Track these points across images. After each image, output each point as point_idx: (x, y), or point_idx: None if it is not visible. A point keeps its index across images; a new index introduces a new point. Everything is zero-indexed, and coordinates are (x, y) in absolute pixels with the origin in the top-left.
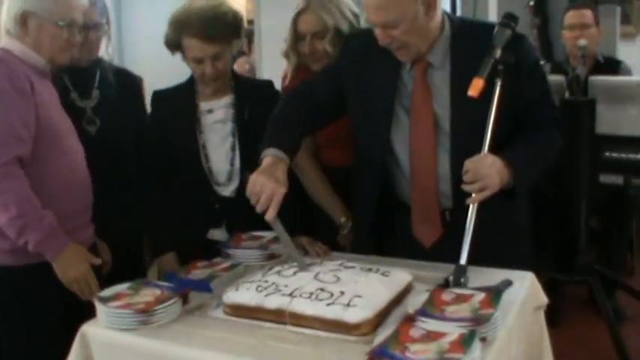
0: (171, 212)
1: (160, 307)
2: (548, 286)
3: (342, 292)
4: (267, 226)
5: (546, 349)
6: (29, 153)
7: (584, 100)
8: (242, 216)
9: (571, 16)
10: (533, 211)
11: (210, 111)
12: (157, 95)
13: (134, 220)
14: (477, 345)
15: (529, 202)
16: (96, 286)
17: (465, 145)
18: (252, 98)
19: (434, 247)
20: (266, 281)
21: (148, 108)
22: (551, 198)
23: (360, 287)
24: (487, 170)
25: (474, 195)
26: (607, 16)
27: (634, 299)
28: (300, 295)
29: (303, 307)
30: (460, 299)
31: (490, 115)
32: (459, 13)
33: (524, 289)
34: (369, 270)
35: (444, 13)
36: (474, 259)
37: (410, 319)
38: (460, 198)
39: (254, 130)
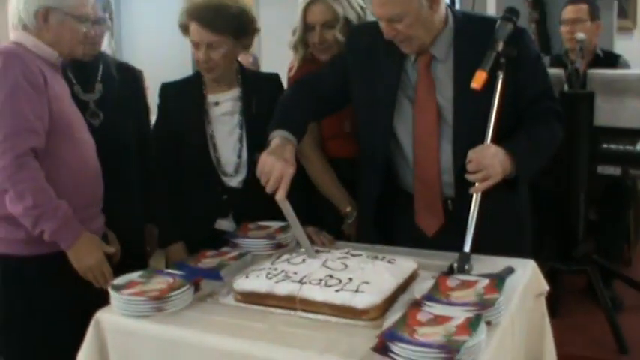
0: (179, 202)
1: (173, 294)
2: (548, 276)
3: (351, 279)
4: (273, 217)
5: (548, 334)
6: (43, 145)
7: (582, 93)
8: (249, 207)
9: (567, 11)
10: (533, 203)
11: (216, 103)
12: (166, 87)
13: (135, 212)
14: (482, 328)
15: (529, 193)
16: (110, 274)
17: (467, 136)
18: (258, 91)
19: (436, 236)
20: (275, 269)
21: (149, 100)
22: (550, 190)
23: (368, 274)
24: (490, 160)
25: (477, 184)
26: (604, 10)
27: (631, 288)
28: (310, 282)
29: (313, 293)
30: (465, 285)
31: (492, 107)
32: (457, 6)
33: (526, 276)
34: (376, 257)
35: (447, 7)
36: (477, 248)
37: (417, 304)
38: (462, 188)
39: (261, 122)
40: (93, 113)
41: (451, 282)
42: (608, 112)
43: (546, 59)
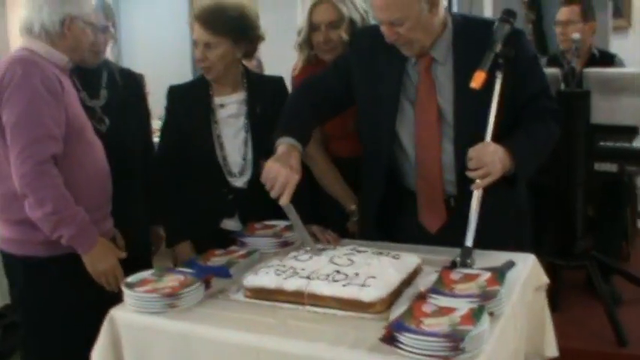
0: (186, 202)
1: (185, 290)
2: (548, 272)
3: (357, 274)
4: (278, 217)
5: (548, 326)
6: (62, 151)
7: (579, 92)
8: (254, 206)
9: (560, 13)
10: (532, 200)
11: (222, 106)
12: (173, 90)
13: (141, 213)
14: (485, 318)
15: (528, 191)
16: (122, 279)
17: (467, 135)
18: (263, 95)
19: (439, 233)
20: (284, 265)
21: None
22: (549, 187)
23: (373, 269)
24: (490, 157)
25: (477, 181)
26: (599, 10)
27: (629, 283)
28: (318, 277)
29: (321, 288)
30: (468, 278)
31: (492, 106)
32: (455, 9)
33: (527, 270)
34: (380, 253)
35: (446, 10)
36: (478, 243)
37: (422, 297)
38: (464, 185)
39: (265, 125)
40: (99, 119)
41: (454, 275)
42: (605, 110)
43: (543, 60)
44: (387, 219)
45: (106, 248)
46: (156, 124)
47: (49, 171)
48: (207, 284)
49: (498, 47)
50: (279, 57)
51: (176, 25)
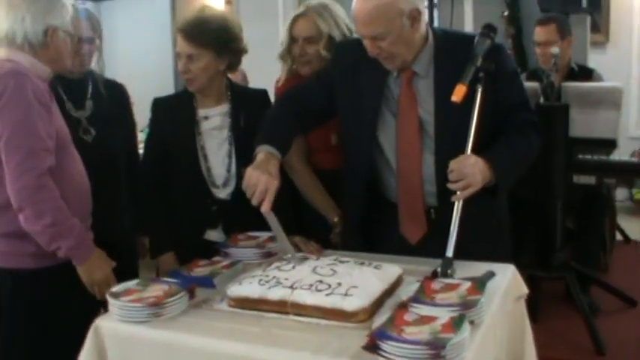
0: (170, 213)
1: (169, 300)
2: (527, 283)
3: (340, 284)
4: (261, 228)
5: (528, 336)
6: (54, 164)
7: (558, 105)
8: (238, 218)
9: (537, 34)
10: (512, 212)
11: (206, 118)
12: (157, 101)
13: (127, 224)
14: (466, 326)
15: (508, 203)
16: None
17: (448, 147)
18: (247, 107)
19: (419, 244)
20: (267, 275)
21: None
22: (528, 199)
23: (356, 279)
24: (470, 169)
25: (458, 193)
26: (578, 25)
27: (607, 294)
28: (301, 287)
29: (304, 297)
30: (448, 288)
31: (472, 119)
32: (436, 23)
33: (507, 280)
34: (362, 264)
35: (427, 25)
36: (459, 253)
37: (404, 306)
38: (445, 197)
39: (249, 137)
40: (85, 130)
41: (435, 285)
42: (583, 124)
43: (523, 75)
44: (369, 230)
45: (101, 258)
46: (138, 135)
47: (47, 183)
48: (192, 294)
49: (479, 61)
50: (262, 69)
51: (158, 35)
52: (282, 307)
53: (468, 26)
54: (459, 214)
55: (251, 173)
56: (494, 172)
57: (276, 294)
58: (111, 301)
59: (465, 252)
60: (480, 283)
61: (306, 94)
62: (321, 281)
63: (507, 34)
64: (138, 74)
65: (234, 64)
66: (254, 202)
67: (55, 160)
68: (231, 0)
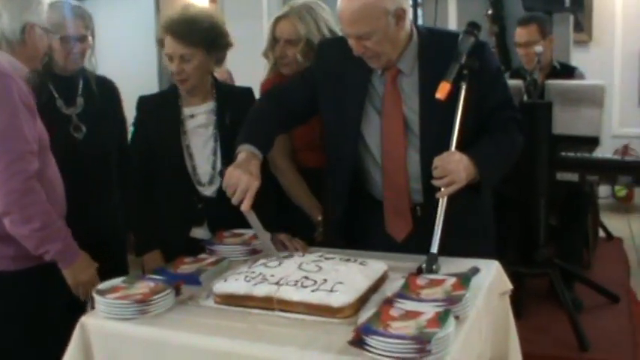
0: (156, 211)
1: (155, 297)
2: (511, 279)
3: (325, 280)
4: (246, 225)
5: (512, 331)
6: (39, 167)
7: (541, 103)
8: (223, 215)
9: (518, 34)
10: (496, 209)
11: (192, 116)
12: (143, 100)
13: (118, 222)
14: (451, 321)
15: (492, 200)
16: None
17: (433, 145)
18: (232, 105)
19: (405, 242)
20: (253, 272)
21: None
22: (512, 196)
23: (341, 275)
24: (454, 166)
25: (442, 189)
26: (561, 24)
27: (591, 290)
28: (287, 283)
29: (290, 293)
30: (433, 283)
31: (456, 116)
32: (420, 21)
33: (491, 276)
34: (348, 260)
35: (412, 23)
36: (443, 250)
37: (389, 302)
38: (430, 194)
39: (235, 135)
40: (76, 127)
41: (420, 281)
42: (566, 121)
43: (506, 74)
44: (353, 228)
45: (86, 260)
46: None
47: (35, 187)
48: (178, 291)
49: (463, 58)
50: (247, 68)
51: (142, 34)
52: (268, 303)
53: (452, 24)
54: (443, 211)
55: (231, 172)
56: (479, 169)
57: (262, 290)
58: (97, 298)
59: (449, 248)
60: (464, 279)
61: (288, 92)
62: (306, 277)
63: (491, 33)
64: (122, 72)
65: (221, 59)
66: (234, 201)
67: (39, 162)
68: None
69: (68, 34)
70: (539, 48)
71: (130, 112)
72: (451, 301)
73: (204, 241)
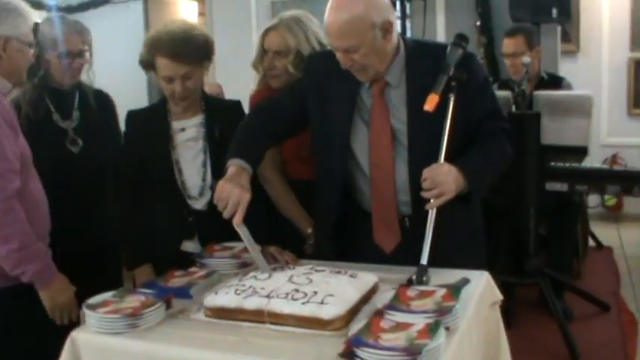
0: (146, 225)
1: (146, 311)
2: (501, 290)
3: (316, 292)
4: (237, 238)
5: (503, 341)
6: (20, 185)
7: (529, 114)
8: (214, 228)
9: (505, 45)
10: (486, 219)
11: (182, 129)
12: (132, 114)
13: (114, 235)
14: (441, 332)
15: (482, 210)
16: (75, 314)
17: (421, 156)
18: (221, 117)
19: (394, 253)
20: (243, 285)
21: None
22: (502, 206)
23: (332, 287)
24: (443, 177)
25: (432, 201)
26: (548, 35)
27: (581, 299)
28: (277, 296)
29: (281, 306)
30: (424, 295)
31: (445, 128)
32: (408, 33)
33: (481, 286)
34: (338, 272)
35: (399, 35)
36: (433, 261)
37: (379, 314)
38: (419, 206)
39: (224, 147)
40: (72, 140)
41: (411, 292)
42: (554, 132)
43: (494, 86)
44: (343, 240)
45: (64, 282)
46: None
47: (14, 206)
48: (168, 304)
49: (451, 70)
50: (236, 80)
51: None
52: (258, 316)
53: (441, 36)
54: (432, 222)
55: (222, 186)
56: (468, 180)
57: (252, 303)
58: (87, 312)
59: (439, 259)
60: (454, 290)
61: (277, 105)
62: (297, 290)
63: (479, 44)
64: (111, 86)
65: (208, 67)
66: (225, 215)
67: (21, 180)
68: (205, 12)
69: (66, 49)
70: (526, 59)
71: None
72: (441, 312)
73: (194, 255)
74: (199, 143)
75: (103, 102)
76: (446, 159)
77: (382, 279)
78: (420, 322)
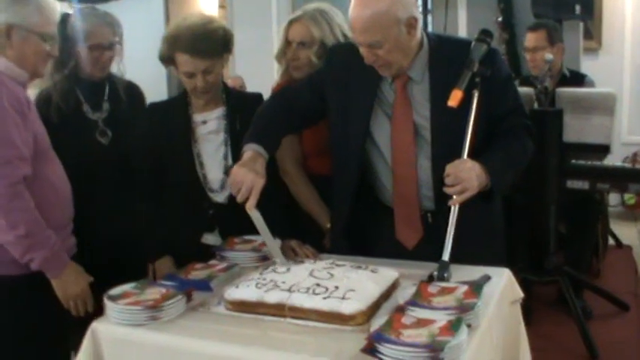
0: (167, 218)
1: (167, 303)
2: (520, 287)
3: (337, 287)
4: (257, 231)
5: (523, 340)
6: (30, 173)
7: (552, 111)
8: (234, 221)
9: (527, 39)
10: (506, 216)
11: (204, 122)
12: (153, 107)
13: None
14: (464, 329)
15: (502, 207)
16: (91, 304)
17: (444, 152)
18: (242, 110)
19: (415, 249)
20: (264, 279)
21: None
22: (522, 204)
23: (353, 282)
24: (467, 174)
25: (455, 197)
26: (571, 32)
27: (600, 298)
28: (298, 290)
29: (302, 300)
30: (445, 291)
31: (468, 124)
32: (430, 28)
33: (502, 284)
34: (359, 267)
35: (422, 30)
36: (454, 257)
37: (401, 310)
38: (442, 201)
39: None
40: (102, 132)
41: (432, 289)
42: (577, 129)
43: (516, 81)
44: (363, 234)
45: (77, 272)
46: None
47: (22, 193)
48: (189, 297)
49: (475, 66)
50: (257, 73)
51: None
52: (279, 310)
53: (462, 32)
54: (455, 219)
55: (237, 171)
56: (490, 177)
57: (273, 297)
58: (108, 303)
59: (459, 256)
60: (476, 287)
61: (297, 94)
62: (318, 284)
63: (501, 40)
64: (130, 78)
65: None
66: (239, 199)
67: (36, 168)
68: (225, 4)
69: (96, 42)
70: (549, 56)
71: None
72: (463, 309)
73: (214, 248)
74: (220, 136)
75: (133, 94)
76: (468, 155)
77: (402, 274)
78: (441, 318)
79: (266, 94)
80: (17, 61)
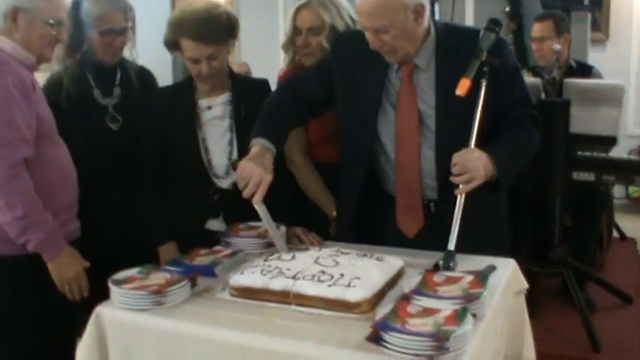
0: (172, 203)
1: (171, 288)
2: (525, 278)
3: (342, 275)
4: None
5: (527, 330)
6: (32, 154)
7: (559, 102)
8: (239, 207)
9: (534, 29)
10: (511, 207)
11: (209, 107)
12: (159, 92)
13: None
14: (469, 319)
15: (507, 198)
16: (86, 289)
17: (449, 141)
18: (248, 96)
19: (416, 238)
20: (269, 265)
21: None
22: (527, 195)
23: (358, 270)
24: (474, 163)
25: (461, 186)
26: (578, 23)
27: (603, 291)
28: (303, 278)
29: (307, 288)
30: (451, 281)
31: (476, 113)
32: (437, 16)
33: (507, 274)
34: (364, 255)
35: (430, 18)
36: (459, 246)
37: (406, 298)
38: (445, 190)
39: (250, 126)
40: (112, 117)
41: (437, 278)
42: (583, 120)
43: (523, 71)
44: (365, 222)
45: (72, 256)
46: None
47: (21, 174)
48: (194, 282)
49: (484, 55)
50: (263, 61)
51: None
52: (284, 297)
53: (469, 21)
54: (461, 208)
55: (245, 165)
56: (497, 167)
57: (278, 284)
58: (113, 288)
59: (464, 245)
60: (482, 277)
61: (304, 84)
62: (323, 272)
63: (509, 30)
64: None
65: (234, 44)
66: (245, 194)
67: (40, 149)
68: None
69: (108, 27)
70: (557, 46)
71: None
72: (469, 298)
73: (219, 233)
74: (226, 121)
75: (145, 80)
76: (475, 144)
77: (407, 263)
78: (447, 308)
79: (272, 82)
80: (23, 45)
